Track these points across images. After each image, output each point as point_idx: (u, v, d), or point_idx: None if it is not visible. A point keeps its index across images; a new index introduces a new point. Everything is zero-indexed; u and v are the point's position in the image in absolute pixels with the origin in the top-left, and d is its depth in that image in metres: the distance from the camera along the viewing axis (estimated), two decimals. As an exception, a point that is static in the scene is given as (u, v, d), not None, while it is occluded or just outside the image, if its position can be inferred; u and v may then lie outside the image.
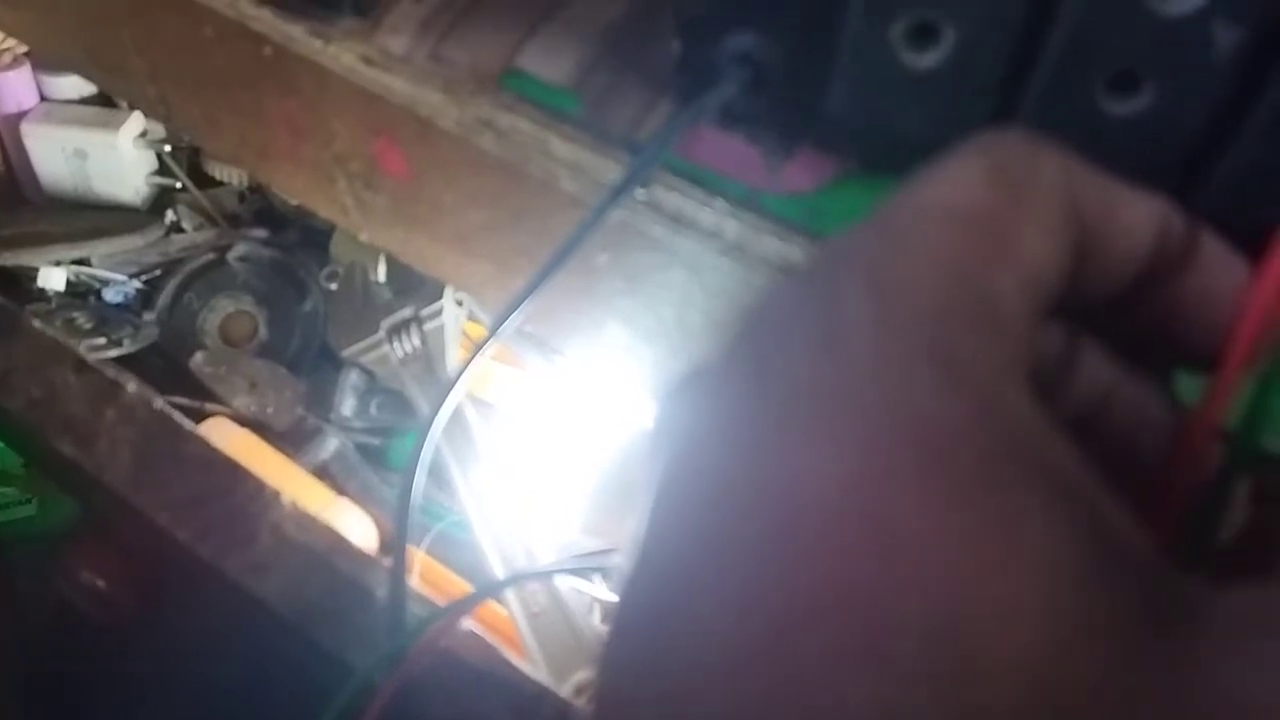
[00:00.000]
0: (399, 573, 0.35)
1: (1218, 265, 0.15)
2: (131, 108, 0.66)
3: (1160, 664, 0.11)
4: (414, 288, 0.58)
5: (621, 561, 0.13)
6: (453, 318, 0.57)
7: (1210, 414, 0.15)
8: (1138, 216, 0.15)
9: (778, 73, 0.27)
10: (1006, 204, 0.14)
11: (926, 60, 0.24)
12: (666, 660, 0.12)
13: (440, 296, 0.57)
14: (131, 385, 0.44)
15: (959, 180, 0.14)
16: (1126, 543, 0.12)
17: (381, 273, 0.60)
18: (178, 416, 0.44)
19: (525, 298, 0.32)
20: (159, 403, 0.44)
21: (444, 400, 0.35)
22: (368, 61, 0.34)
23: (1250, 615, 0.12)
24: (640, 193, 0.31)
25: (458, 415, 0.53)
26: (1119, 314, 0.16)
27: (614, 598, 0.13)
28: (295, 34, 0.36)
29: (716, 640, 0.11)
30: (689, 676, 0.11)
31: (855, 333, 0.13)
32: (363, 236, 0.45)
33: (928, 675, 0.11)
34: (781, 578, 0.11)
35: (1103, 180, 0.15)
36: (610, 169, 0.31)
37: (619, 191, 0.30)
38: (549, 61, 0.32)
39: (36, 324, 0.46)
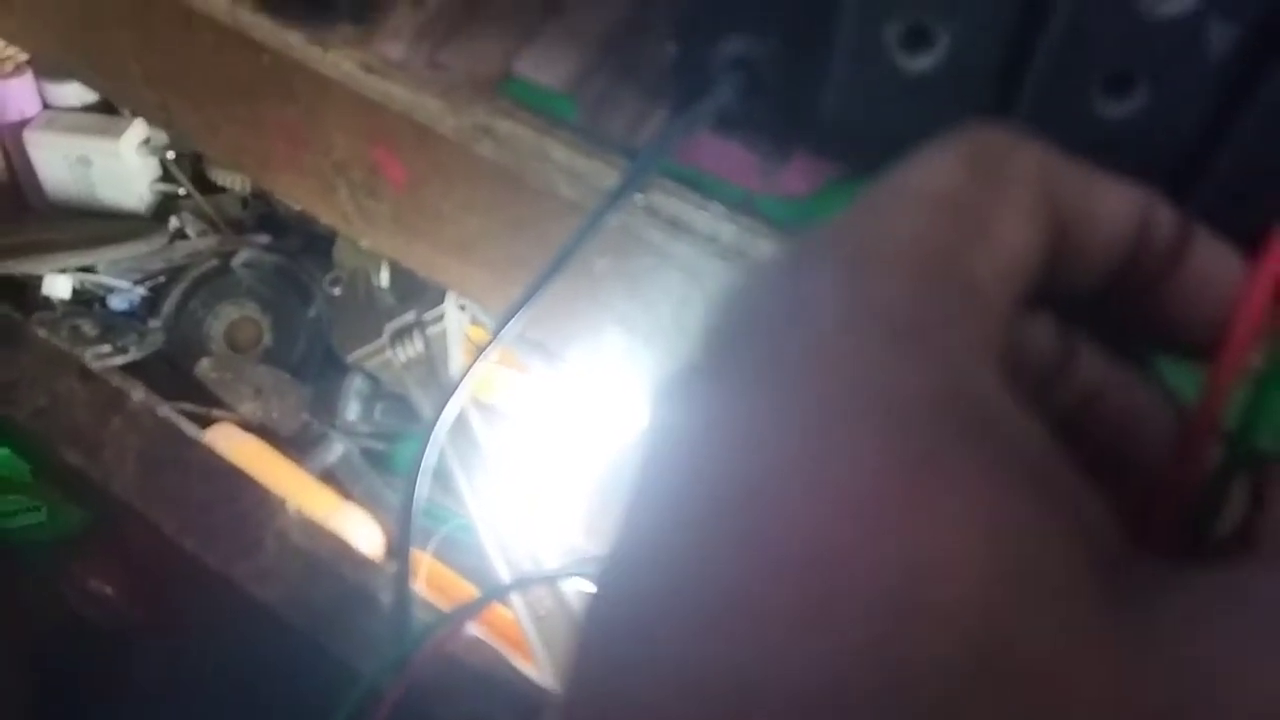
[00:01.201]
0: (403, 578, 0.35)
1: (1210, 258, 0.15)
2: (134, 114, 0.66)
3: (1108, 632, 0.11)
4: (417, 292, 0.58)
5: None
6: (455, 322, 0.57)
7: (1207, 412, 0.15)
8: (1117, 204, 0.15)
9: (773, 77, 0.27)
10: (982, 190, 0.14)
11: (920, 63, 0.24)
12: (630, 629, 0.12)
13: (443, 301, 0.57)
14: (137, 393, 0.44)
15: (935, 167, 0.14)
16: (1086, 520, 0.12)
17: (385, 278, 0.60)
18: (183, 424, 0.44)
19: (525, 303, 0.32)
20: (164, 410, 0.44)
21: (447, 404, 0.35)
22: (366, 68, 0.35)
23: (1215, 593, 0.12)
24: (638, 198, 0.31)
25: (462, 419, 0.53)
26: (1112, 307, 0.16)
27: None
28: (293, 41, 0.36)
29: (674, 606, 0.12)
30: (648, 643, 0.12)
31: (821, 305, 0.13)
32: (364, 244, 0.45)
33: (868, 629, 0.11)
34: (738, 544, 0.12)
35: (1081, 169, 0.15)
36: (608, 174, 0.31)
37: (617, 196, 0.30)
38: (546, 67, 0.32)
39: (42, 333, 0.47)
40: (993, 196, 0.14)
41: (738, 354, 0.13)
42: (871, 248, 0.13)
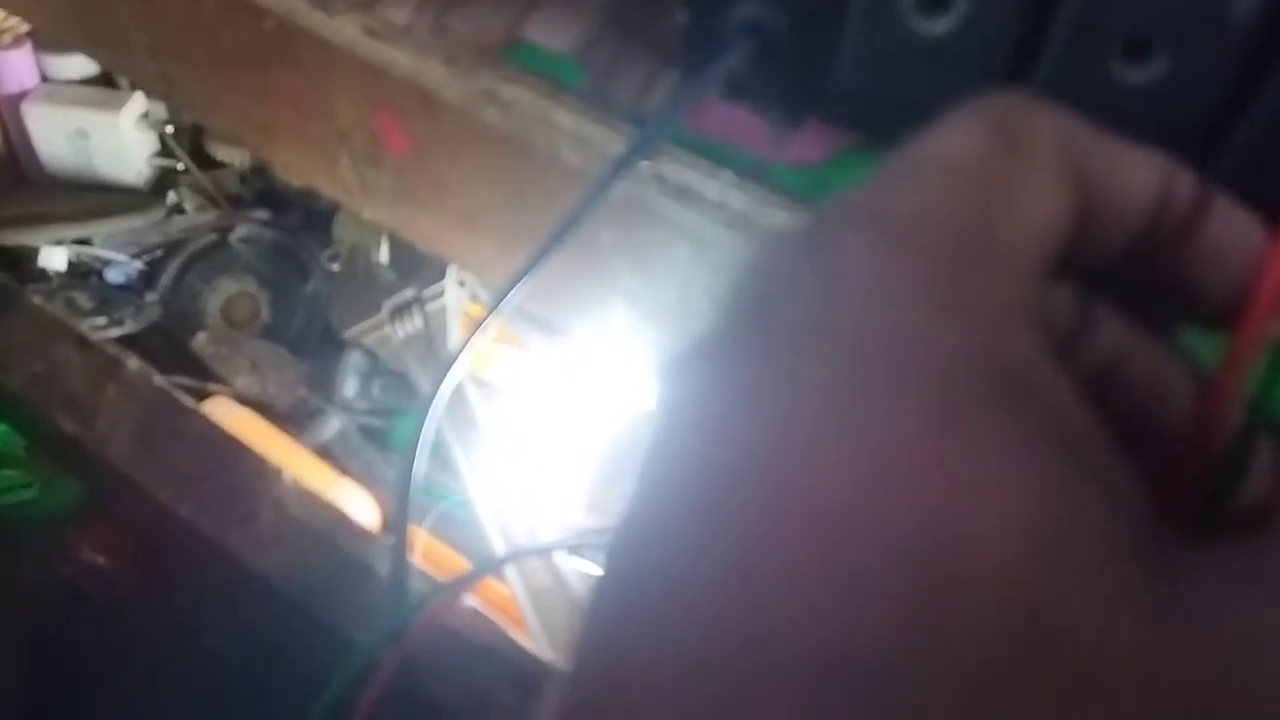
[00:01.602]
0: (401, 548, 0.35)
1: (1230, 225, 0.15)
2: (133, 87, 0.66)
3: (1144, 603, 0.11)
4: (416, 269, 0.57)
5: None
6: (455, 299, 0.57)
7: (1226, 380, 0.14)
8: (1139, 172, 0.15)
9: (785, 42, 0.26)
10: (1007, 158, 0.14)
11: (937, 27, 0.24)
12: (642, 593, 0.12)
13: (443, 278, 0.57)
14: (133, 361, 0.44)
15: (959, 135, 0.14)
16: (1119, 487, 0.12)
17: (384, 254, 0.60)
18: (178, 393, 0.44)
19: (528, 273, 0.32)
20: (160, 380, 0.43)
21: (446, 375, 0.35)
22: (370, 33, 0.34)
23: (1245, 567, 0.12)
24: (645, 165, 0.31)
25: (460, 395, 0.52)
26: (1131, 274, 0.16)
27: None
28: (297, 6, 0.35)
29: (688, 570, 0.11)
30: (659, 608, 0.11)
31: (852, 271, 0.13)
32: (366, 215, 0.45)
33: (900, 595, 0.10)
34: (758, 507, 0.11)
35: (1102, 137, 0.15)
36: (615, 141, 0.31)
37: (623, 163, 0.29)
38: (553, 32, 0.31)
39: (37, 300, 0.46)
40: (1018, 165, 0.14)
41: (764, 321, 0.13)
42: (900, 216, 0.13)
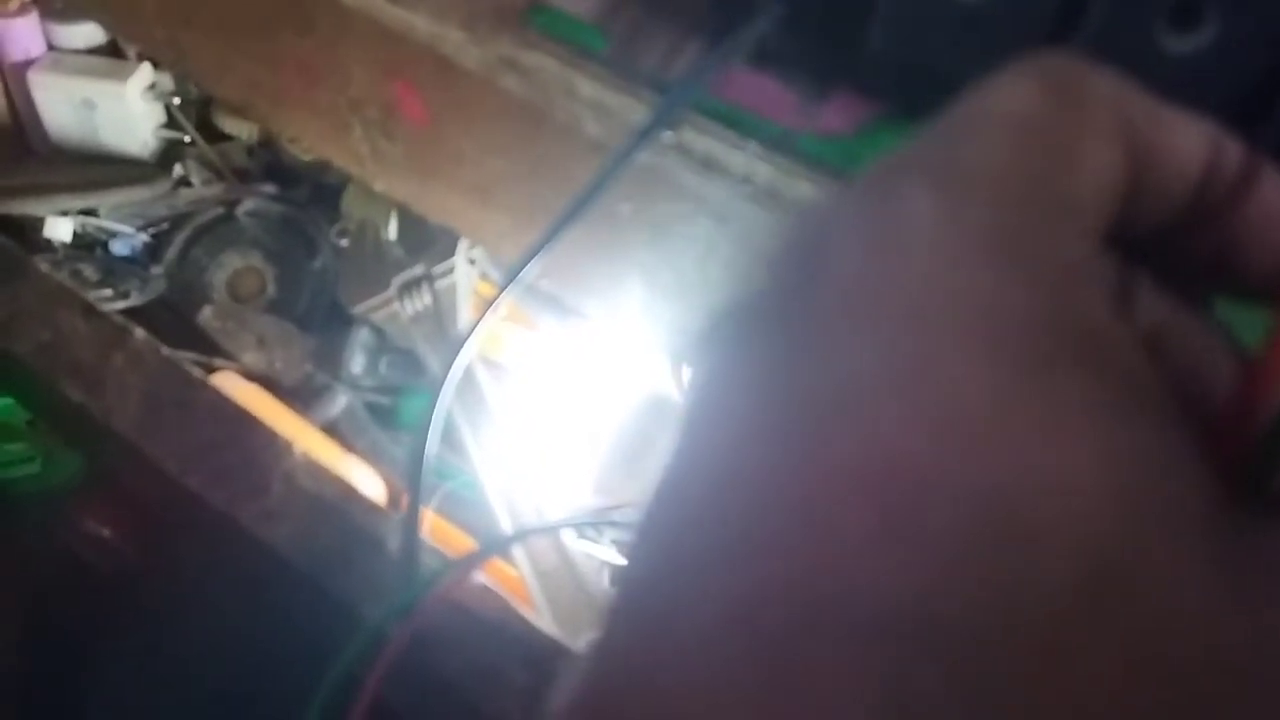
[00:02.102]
0: (412, 523, 0.35)
1: (1278, 196, 0.15)
2: (140, 56, 0.65)
3: (1220, 569, 0.11)
4: (426, 245, 0.57)
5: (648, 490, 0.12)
6: (465, 276, 0.56)
7: (1272, 357, 0.14)
8: (1189, 139, 0.15)
9: (816, 7, 0.26)
10: (1065, 116, 0.13)
11: (977, -8, 0.23)
12: (679, 549, 0.11)
13: (452, 254, 0.56)
14: (140, 332, 0.43)
15: (1015, 92, 0.14)
16: (1192, 450, 0.12)
17: (393, 230, 0.59)
18: (187, 364, 0.43)
19: (544, 245, 0.32)
20: (168, 350, 0.43)
21: (458, 354, 0.35)
22: (388, -3, 0.33)
23: None
24: (668, 136, 0.30)
25: (469, 375, 0.52)
26: (1175, 245, 0.15)
27: (622, 560, 0.12)
28: (313, -32, 0.35)
29: (728, 525, 0.11)
30: (698, 565, 0.11)
31: (915, 225, 0.12)
32: (378, 186, 0.44)
33: (968, 549, 0.10)
34: (807, 459, 0.11)
35: (1152, 102, 0.15)
36: (637, 110, 0.30)
37: (645, 133, 0.29)
38: (577, -4, 0.31)
39: (44, 267, 0.46)
40: (1077, 123, 0.13)
41: (822, 277, 0.12)
42: (964, 170, 0.13)
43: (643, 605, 0.11)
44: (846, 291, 0.12)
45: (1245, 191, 0.15)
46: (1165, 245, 0.15)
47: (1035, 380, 0.11)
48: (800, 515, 0.10)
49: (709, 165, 0.30)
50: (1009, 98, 0.14)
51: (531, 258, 0.32)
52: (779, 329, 0.12)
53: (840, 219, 0.13)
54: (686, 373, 0.13)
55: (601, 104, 0.31)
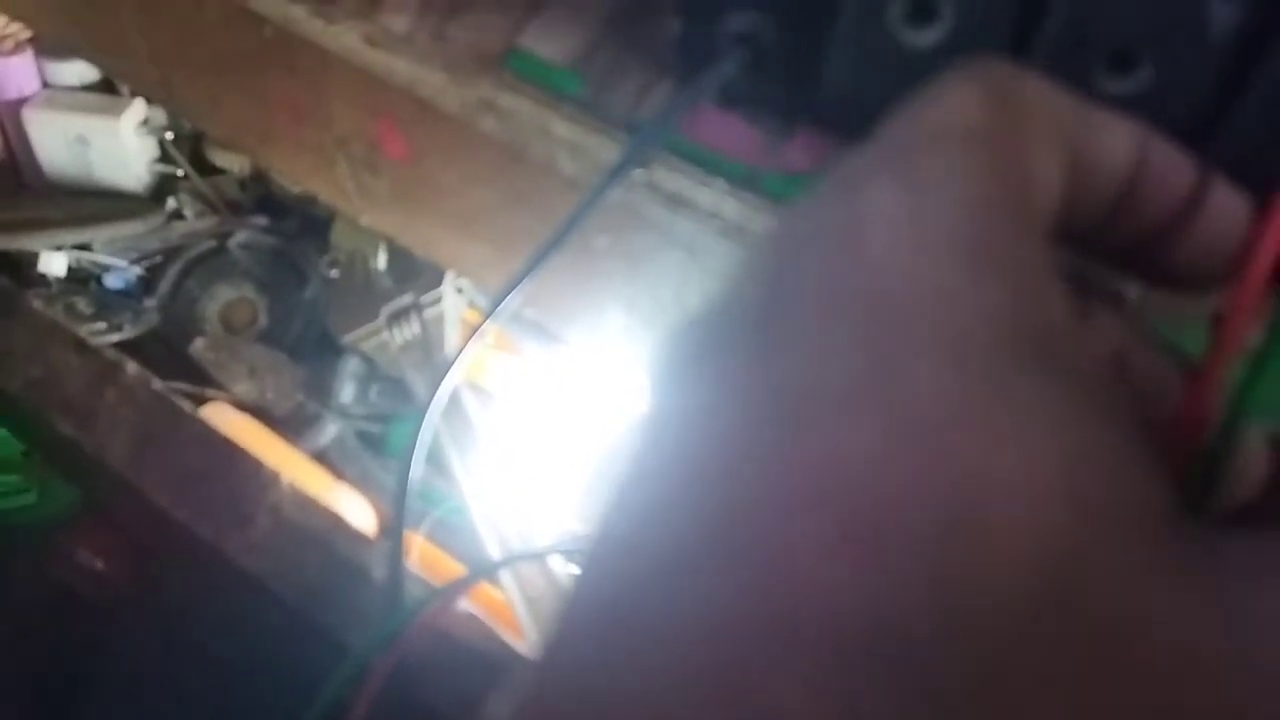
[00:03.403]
0: (396, 552, 0.35)
1: (1228, 207, 0.15)
2: (133, 93, 0.66)
3: (1179, 577, 0.10)
4: (414, 275, 0.58)
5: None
6: (452, 305, 0.57)
7: (1213, 368, 0.14)
8: (1117, 136, 0.15)
9: (777, 52, 0.27)
10: (1008, 123, 0.14)
11: (926, 38, 0.24)
12: (637, 565, 0.11)
13: (440, 284, 0.57)
14: (132, 366, 0.44)
15: (961, 103, 0.14)
16: (1149, 454, 0.12)
17: (382, 260, 0.60)
18: (177, 398, 0.44)
19: (524, 278, 0.32)
20: (159, 384, 0.44)
21: (444, 380, 0.35)
22: (370, 42, 0.35)
23: (1265, 555, 0.11)
24: (639, 173, 0.31)
25: (456, 401, 0.53)
26: (1124, 259, 0.16)
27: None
28: (297, 14, 0.36)
29: (687, 540, 0.11)
30: (658, 583, 0.10)
31: (875, 227, 0.12)
32: (364, 220, 0.45)
33: (925, 561, 0.10)
34: (770, 470, 0.10)
35: (1080, 102, 0.15)
36: (610, 150, 0.31)
37: (617, 171, 0.30)
38: (551, 41, 0.32)
39: (37, 304, 0.46)
40: (1021, 130, 0.14)
41: (782, 281, 0.12)
42: (920, 178, 0.13)
43: (594, 614, 0.11)
44: (808, 296, 0.12)
45: (1194, 206, 0.15)
46: (1119, 258, 0.16)
47: (994, 382, 0.11)
48: (756, 524, 0.10)
49: (678, 201, 0.31)
50: (955, 107, 0.14)
51: (514, 288, 0.33)
52: (739, 336, 0.12)
53: (803, 225, 0.13)
54: (646, 381, 0.13)
55: (576, 144, 0.32)
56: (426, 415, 0.35)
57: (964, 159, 0.13)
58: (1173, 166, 0.15)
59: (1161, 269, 0.15)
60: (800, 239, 0.13)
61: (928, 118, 0.14)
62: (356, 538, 0.39)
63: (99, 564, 0.51)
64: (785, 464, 0.10)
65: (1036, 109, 0.14)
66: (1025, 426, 0.10)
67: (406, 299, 0.57)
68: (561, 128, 0.32)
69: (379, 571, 0.37)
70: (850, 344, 0.11)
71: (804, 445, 0.10)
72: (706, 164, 0.30)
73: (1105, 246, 0.15)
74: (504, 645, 0.36)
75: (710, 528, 0.11)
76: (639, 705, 0.10)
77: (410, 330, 0.57)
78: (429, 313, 0.57)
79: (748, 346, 0.12)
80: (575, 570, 0.47)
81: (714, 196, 0.30)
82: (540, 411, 0.55)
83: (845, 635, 0.10)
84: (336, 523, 0.39)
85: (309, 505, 0.39)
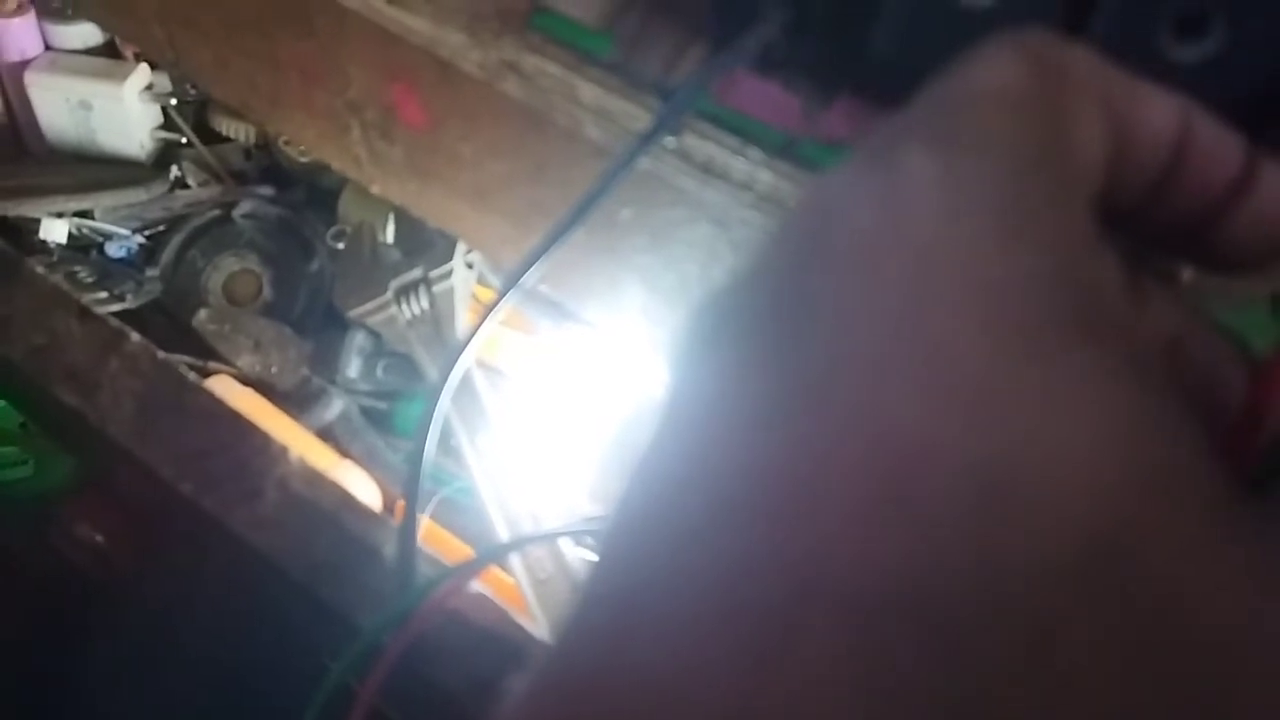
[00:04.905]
0: (408, 531, 0.34)
1: (1278, 186, 0.15)
2: (138, 56, 0.65)
3: (1230, 552, 0.10)
4: (423, 249, 0.56)
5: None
6: (462, 280, 0.56)
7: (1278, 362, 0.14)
8: (1161, 109, 0.15)
9: (821, 12, 0.25)
10: (1052, 89, 0.14)
11: (983, -2, 0.23)
12: (659, 530, 0.11)
13: (450, 258, 0.56)
14: (135, 335, 0.43)
15: (1003, 70, 0.14)
16: (1196, 430, 0.11)
17: (390, 233, 0.59)
18: (182, 368, 0.43)
19: (544, 251, 0.31)
20: (164, 354, 0.43)
21: (458, 355, 0.34)
22: (388, -1, 0.33)
23: None
24: (670, 141, 0.30)
25: (467, 380, 0.52)
26: (1174, 239, 0.15)
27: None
28: (313, -30, 0.34)
29: (711, 504, 0.10)
30: (678, 547, 0.10)
31: (916, 192, 0.12)
32: (375, 189, 0.44)
33: (964, 521, 0.10)
34: (807, 427, 0.10)
35: (1126, 75, 0.15)
36: (640, 116, 0.30)
37: (647, 139, 0.29)
38: (580, 0, 0.30)
39: (39, 270, 0.45)
40: (1064, 97, 0.14)
41: (821, 244, 0.12)
42: (962, 142, 0.13)
43: (621, 581, 0.11)
44: (842, 260, 0.12)
45: (1245, 186, 0.15)
46: (1167, 239, 0.15)
47: (1038, 347, 0.11)
48: (790, 485, 0.10)
49: (709, 170, 0.29)
50: (997, 73, 0.14)
51: (533, 263, 0.31)
52: (772, 301, 0.12)
53: (837, 190, 0.13)
54: (671, 353, 0.13)
55: (603, 109, 0.31)
56: (439, 395, 0.34)
57: (1005, 124, 0.13)
58: (1219, 143, 0.15)
59: (1211, 250, 0.15)
60: (834, 202, 0.13)
61: (969, 82, 0.14)
62: (367, 515, 0.38)
63: (99, 538, 0.50)
64: (819, 428, 0.10)
65: (1080, 77, 0.14)
66: (1070, 393, 0.10)
67: (415, 273, 0.56)
68: (588, 92, 0.31)
69: (389, 550, 0.36)
70: (891, 311, 0.11)
71: (837, 410, 0.10)
72: (742, 131, 0.29)
73: (1153, 227, 0.15)
74: (516, 626, 0.35)
75: (742, 488, 0.10)
76: (666, 664, 0.10)
77: (419, 305, 0.56)
78: (438, 288, 0.56)
79: (781, 313, 0.12)
80: (586, 553, 0.46)
81: (748, 166, 0.29)
82: (552, 391, 0.54)
83: (879, 599, 0.09)
84: (346, 499, 0.38)
85: (318, 481, 0.38)
